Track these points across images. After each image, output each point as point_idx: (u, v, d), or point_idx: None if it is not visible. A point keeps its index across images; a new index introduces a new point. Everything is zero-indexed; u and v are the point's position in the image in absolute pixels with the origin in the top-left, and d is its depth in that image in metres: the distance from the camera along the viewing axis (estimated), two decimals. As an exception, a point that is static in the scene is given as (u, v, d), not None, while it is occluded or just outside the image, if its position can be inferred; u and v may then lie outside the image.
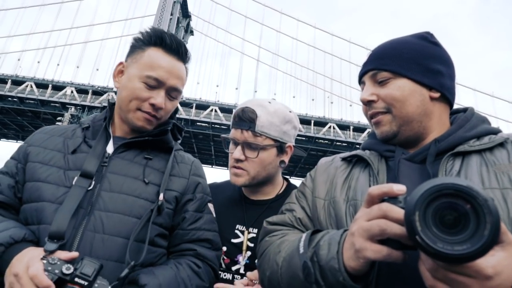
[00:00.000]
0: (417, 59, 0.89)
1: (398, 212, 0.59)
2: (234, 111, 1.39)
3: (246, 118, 1.30)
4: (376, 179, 0.86)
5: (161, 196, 1.03)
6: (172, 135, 1.21)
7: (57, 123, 33.88)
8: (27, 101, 45.64)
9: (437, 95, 0.89)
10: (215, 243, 1.16)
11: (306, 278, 0.74)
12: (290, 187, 1.49)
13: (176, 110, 1.23)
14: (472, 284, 0.53)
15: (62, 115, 34.27)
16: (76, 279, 0.78)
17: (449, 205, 0.50)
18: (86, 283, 0.78)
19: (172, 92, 1.13)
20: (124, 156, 1.10)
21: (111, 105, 1.21)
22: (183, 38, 60.28)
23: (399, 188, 0.61)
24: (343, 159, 1.01)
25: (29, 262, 0.82)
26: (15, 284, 0.79)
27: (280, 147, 1.36)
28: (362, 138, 43.52)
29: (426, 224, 0.50)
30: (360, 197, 0.85)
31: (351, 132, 44.76)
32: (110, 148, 1.11)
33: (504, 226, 0.53)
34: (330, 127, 45.63)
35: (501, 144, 0.82)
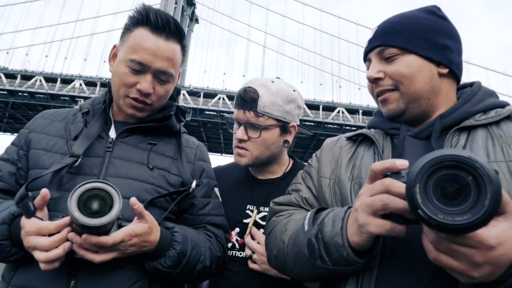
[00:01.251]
0: (425, 34, 0.86)
1: (400, 186, 0.60)
2: (238, 90, 1.36)
3: (248, 98, 1.29)
4: (381, 157, 0.85)
5: (193, 184, 1.06)
6: (176, 117, 1.18)
7: (46, 110, 34.14)
8: (37, 95, 46.19)
9: (445, 71, 0.87)
10: (223, 227, 1.18)
11: (311, 254, 0.75)
12: (296, 164, 1.50)
13: (179, 91, 1.19)
14: (475, 255, 0.53)
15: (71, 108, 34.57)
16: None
17: (450, 176, 0.50)
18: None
19: (161, 75, 1.04)
20: (128, 141, 1.07)
21: (111, 87, 1.14)
22: (188, 27, 59.88)
23: (401, 163, 0.62)
24: (348, 138, 1.00)
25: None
26: (38, 239, 0.84)
27: (284, 126, 1.34)
28: (371, 121, 43.04)
29: (427, 196, 0.50)
30: (365, 175, 0.85)
31: (360, 116, 44.33)
32: (112, 133, 1.09)
33: (508, 197, 0.53)
34: (339, 112, 45.23)
35: (508, 117, 0.80)
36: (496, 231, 0.52)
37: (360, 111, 44.73)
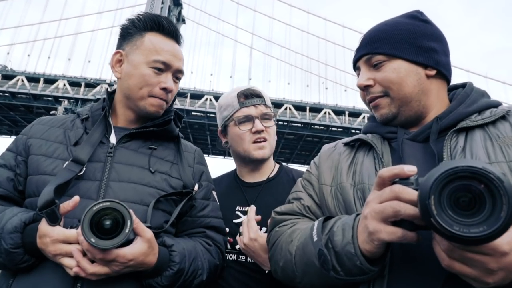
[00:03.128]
0: (409, 39, 0.88)
1: (411, 193, 0.59)
2: (235, 95, 1.47)
3: (256, 95, 1.46)
4: (381, 161, 0.86)
5: (196, 187, 1.09)
6: (174, 122, 1.21)
7: (42, 116, 33.50)
8: (19, 95, 45.08)
9: (433, 72, 0.89)
10: (221, 230, 1.19)
11: (323, 265, 0.74)
12: (282, 167, 1.60)
13: (174, 98, 1.23)
14: (489, 262, 0.53)
15: (56, 109, 33.95)
16: None
17: (463, 187, 0.50)
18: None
19: (178, 74, 1.15)
20: (129, 146, 1.10)
21: (110, 94, 1.19)
22: (175, 27, 59.31)
23: (410, 169, 0.62)
24: (345, 144, 1.00)
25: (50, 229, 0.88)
26: (69, 247, 0.86)
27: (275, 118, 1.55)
28: (357, 123, 43.57)
29: (441, 207, 0.50)
30: (367, 180, 0.85)
31: (347, 117, 44.79)
32: (113, 139, 1.10)
33: None
34: (325, 113, 45.56)
35: (503, 117, 0.81)
36: (508, 237, 0.52)
37: (346, 113, 45.20)
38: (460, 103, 0.87)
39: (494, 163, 0.73)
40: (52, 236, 0.86)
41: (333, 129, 44.09)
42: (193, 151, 1.23)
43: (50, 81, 46.20)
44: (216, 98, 45.52)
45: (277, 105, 47.16)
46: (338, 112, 45.34)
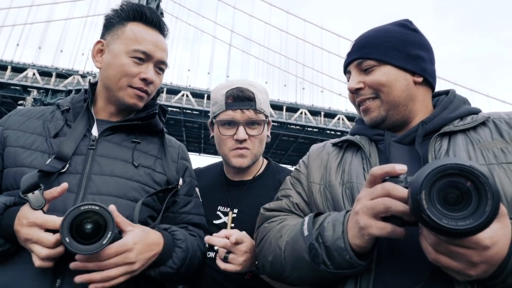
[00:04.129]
0: (399, 46, 0.93)
1: (401, 190, 0.64)
2: (224, 92, 1.34)
3: (246, 97, 1.31)
4: (369, 162, 0.90)
5: (180, 181, 1.09)
6: (158, 116, 1.18)
7: (19, 107, 32.08)
8: (-16, 83, 42.96)
9: (420, 79, 0.94)
10: (202, 226, 1.19)
11: (313, 259, 0.77)
12: (270, 165, 1.53)
13: (158, 92, 1.21)
14: (472, 255, 0.58)
15: (24, 99, 32.55)
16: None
17: (451, 183, 0.54)
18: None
19: (161, 65, 1.12)
20: (111, 139, 1.07)
21: (92, 85, 1.16)
22: (152, 20, 58.17)
23: (400, 168, 0.66)
24: (334, 144, 1.04)
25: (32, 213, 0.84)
26: (42, 234, 0.81)
27: (268, 122, 1.42)
28: (332, 123, 44.31)
29: (431, 202, 0.54)
30: (356, 179, 0.89)
31: (322, 118, 45.45)
32: (95, 131, 1.07)
33: None
34: (302, 113, 46.07)
35: (483, 123, 0.86)
36: (490, 232, 0.56)
37: (322, 113, 45.86)
38: (443, 109, 0.92)
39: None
40: (29, 219, 0.82)
41: (308, 129, 44.61)
42: (177, 146, 1.22)
43: (18, 69, 44.20)
44: (193, 94, 45.05)
45: (254, 103, 47.03)
46: (314, 112, 45.95)
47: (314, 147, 1.13)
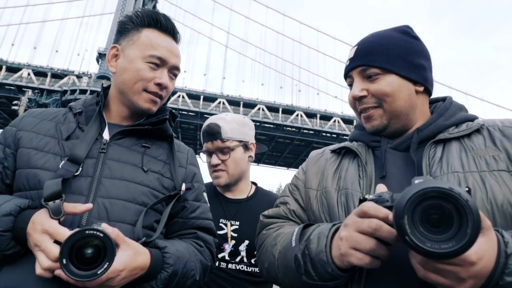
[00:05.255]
0: (403, 55, 0.94)
1: (387, 230, 0.65)
2: (203, 128, 1.67)
3: (212, 131, 1.63)
4: (364, 169, 0.92)
5: (183, 187, 1.09)
6: (168, 121, 1.19)
7: (13, 107, 31.93)
8: (-22, 83, 42.65)
9: (421, 88, 0.95)
10: (211, 231, 1.19)
11: (297, 269, 0.81)
12: (258, 188, 1.81)
13: (169, 97, 1.21)
14: (460, 271, 0.59)
15: (19, 99, 32.34)
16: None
17: (433, 205, 0.55)
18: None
19: (174, 70, 1.15)
20: (122, 143, 1.08)
21: (104, 89, 1.17)
22: (149, 21, 58.17)
23: (384, 213, 0.66)
24: (332, 151, 1.07)
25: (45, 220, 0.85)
26: (50, 244, 0.81)
27: (245, 145, 1.69)
28: (328, 126, 44.47)
29: (414, 225, 0.56)
30: (351, 186, 0.90)
31: (318, 120, 45.60)
32: (106, 135, 1.09)
33: (481, 214, 0.57)
34: (297, 115, 46.19)
35: (478, 130, 0.88)
36: (475, 247, 0.56)
37: (318, 115, 46.01)
38: (439, 116, 0.94)
39: (468, 172, 0.80)
40: (43, 225, 0.83)
41: (304, 131, 44.75)
42: (186, 151, 1.22)
43: (13, 69, 43.93)
44: (189, 95, 45.03)
45: (250, 105, 47.26)
46: (310, 114, 46.10)
47: (313, 153, 1.14)
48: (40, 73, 44.21)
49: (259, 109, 46.17)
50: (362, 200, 0.69)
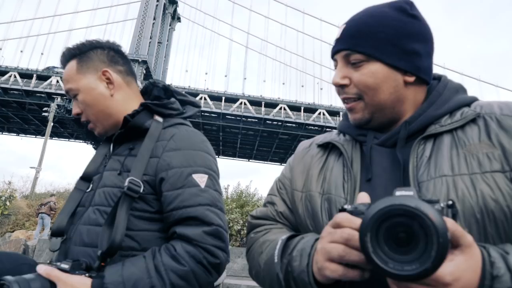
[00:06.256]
0: (393, 40, 0.81)
1: (357, 240, 0.61)
2: None
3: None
4: (350, 170, 0.83)
5: (126, 182, 0.97)
6: (150, 112, 1.11)
7: (44, 113, 33.18)
8: (11, 91, 44.56)
9: (412, 79, 0.82)
10: (201, 218, 0.98)
11: (279, 286, 0.76)
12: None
13: (165, 88, 1.18)
14: None
15: (49, 106, 33.58)
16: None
17: (399, 223, 0.52)
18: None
19: (70, 94, 1.12)
20: (117, 153, 1.10)
21: None
22: (170, 25, 59.17)
23: (356, 224, 0.60)
24: (319, 145, 0.95)
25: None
26: None
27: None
28: (351, 123, 43.74)
29: (378, 244, 0.53)
30: (334, 191, 0.82)
31: (341, 118, 44.85)
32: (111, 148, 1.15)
33: (461, 230, 0.54)
34: (320, 113, 45.70)
35: (473, 120, 0.77)
36: (450, 267, 0.53)
37: (341, 113, 45.19)
38: (430, 104, 0.82)
39: (457, 175, 0.71)
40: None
41: (327, 129, 44.20)
42: (169, 137, 1.06)
43: (43, 77, 45.71)
44: (211, 96, 45.41)
45: (272, 105, 47.14)
46: (333, 112, 45.52)
47: (301, 146, 1.02)
48: (68, 80, 45.69)
49: (280, 108, 46.00)
50: (341, 210, 0.65)
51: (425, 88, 0.87)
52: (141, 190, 0.98)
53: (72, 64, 1.11)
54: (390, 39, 0.80)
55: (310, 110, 45.94)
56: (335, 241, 0.63)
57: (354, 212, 0.63)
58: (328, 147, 0.92)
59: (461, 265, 0.54)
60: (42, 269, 0.86)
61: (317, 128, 44.71)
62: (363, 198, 0.66)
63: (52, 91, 43.57)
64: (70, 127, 48.17)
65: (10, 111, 47.83)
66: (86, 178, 1.09)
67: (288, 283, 0.75)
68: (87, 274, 0.89)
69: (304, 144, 1.03)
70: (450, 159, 0.73)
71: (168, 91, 1.17)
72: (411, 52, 0.81)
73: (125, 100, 1.12)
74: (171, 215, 0.98)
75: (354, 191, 0.78)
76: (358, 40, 0.82)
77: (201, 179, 1.03)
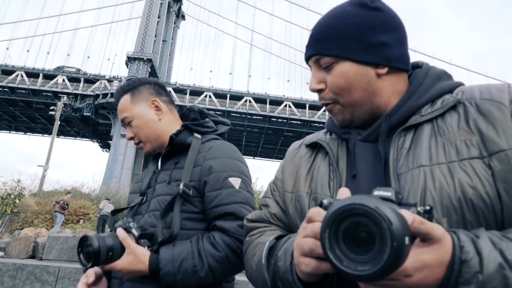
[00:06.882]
0: (356, 35, 0.80)
1: None
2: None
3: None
4: (335, 168, 0.83)
5: (180, 186, 1.19)
6: (194, 131, 1.37)
7: (51, 112, 33.47)
8: (18, 90, 44.97)
9: (384, 70, 0.81)
10: (236, 214, 1.19)
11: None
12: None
13: (200, 111, 1.42)
14: (397, 284, 0.55)
15: (55, 105, 33.85)
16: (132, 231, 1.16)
17: (359, 223, 0.53)
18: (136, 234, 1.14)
19: (125, 121, 1.36)
20: (165, 168, 1.32)
21: None
22: (174, 23, 59.25)
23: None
24: (307, 145, 0.96)
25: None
26: None
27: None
28: (357, 120, 43.55)
29: (336, 241, 0.53)
30: (320, 190, 0.82)
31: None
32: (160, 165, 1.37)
33: (428, 225, 0.54)
34: (325, 111, 45.33)
35: (454, 107, 0.75)
36: (412, 258, 0.53)
37: (346, 110, 45.10)
38: (411, 95, 0.81)
39: (435, 165, 0.70)
40: None
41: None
42: (208, 149, 1.29)
43: (49, 76, 46.06)
44: (216, 94, 45.47)
45: (277, 102, 47.10)
46: (338, 109, 45.29)
47: (292, 147, 1.03)
48: (73, 78, 46.07)
49: (285, 106, 45.98)
50: (320, 205, 0.64)
51: (405, 77, 0.85)
52: (191, 193, 1.21)
53: (126, 97, 1.35)
54: (353, 36, 0.80)
55: (315, 107, 45.82)
56: (307, 236, 0.63)
57: (328, 207, 0.63)
58: (316, 147, 0.93)
59: (425, 256, 0.55)
60: (120, 232, 1.12)
61: (322, 125, 44.38)
62: (343, 193, 0.65)
63: (59, 89, 43.90)
64: (76, 125, 48.58)
65: (18, 110, 48.30)
66: (141, 193, 1.32)
67: (276, 283, 0.75)
68: (149, 248, 1.14)
69: (294, 145, 1.04)
70: (428, 148, 0.72)
71: (203, 113, 1.42)
72: (378, 44, 0.80)
73: (170, 124, 1.36)
74: (211, 212, 1.20)
75: (339, 189, 0.76)
76: (324, 44, 0.82)
77: (235, 181, 1.24)
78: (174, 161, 1.31)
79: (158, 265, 1.12)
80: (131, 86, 1.38)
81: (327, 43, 0.82)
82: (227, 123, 1.47)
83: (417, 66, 0.87)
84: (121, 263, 1.10)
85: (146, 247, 1.14)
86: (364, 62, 0.79)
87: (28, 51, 54.57)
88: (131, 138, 1.36)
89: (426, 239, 0.54)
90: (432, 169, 0.68)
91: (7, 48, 53.41)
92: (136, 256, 1.11)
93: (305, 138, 1.01)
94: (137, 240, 1.14)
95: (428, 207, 0.55)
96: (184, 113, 1.45)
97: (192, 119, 1.40)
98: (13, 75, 45.47)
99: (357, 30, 0.80)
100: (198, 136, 1.34)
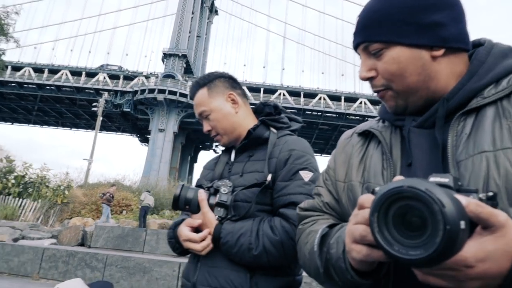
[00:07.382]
0: (407, 18, 0.75)
1: None
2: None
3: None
4: (389, 157, 0.80)
5: (269, 177, 1.25)
6: (266, 126, 1.41)
7: (93, 108, 35.14)
8: (64, 88, 47.51)
9: (440, 52, 0.75)
10: (296, 203, 1.23)
11: (318, 277, 0.79)
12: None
13: (276, 106, 1.46)
14: (457, 275, 0.52)
15: (97, 101, 35.51)
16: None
17: (409, 207, 0.50)
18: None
19: (203, 115, 1.39)
20: (238, 160, 1.38)
21: None
22: (208, 18, 59.87)
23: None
24: (359, 134, 0.94)
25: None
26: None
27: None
28: (394, 112, 42.12)
29: (386, 225, 0.52)
30: (373, 179, 0.80)
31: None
32: (232, 157, 1.41)
33: (489, 210, 0.50)
34: (361, 103, 44.45)
35: None
36: (473, 247, 0.50)
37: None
38: (471, 76, 0.74)
39: (499, 150, 0.64)
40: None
41: (369, 119, 42.85)
42: (284, 142, 1.35)
43: (91, 74, 48.27)
44: (249, 88, 45.61)
45: (311, 95, 46.50)
46: (375, 101, 44.05)
47: (343, 136, 1.01)
48: (113, 76, 47.98)
49: (320, 98, 45.30)
50: (372, 192, 0.62)
51: (465, 57, 0.80)
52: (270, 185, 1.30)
53: (203, 91, 1.39)
54: (404, 18, 0.75)
55: (351, 99, 44.82)
56: (358, 222, 0.61)
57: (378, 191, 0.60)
58: (368, 135, 0.91)
59: (488, 245, 0.51)
60: (201, 192, 1.24)
61: (358, 118, 43.57)
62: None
63: (100, 87, 45.88)
64: (117, 120, 50.66)
65: (63, 107, 51.06)
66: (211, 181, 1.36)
67: (328, 271, 0.74)
68: (219, 218, 1.24)
69: (346, 134, 1.03)
70: (492, 133, 0.66)
71: (277, 108, 1.46)
72: (431, 24, 0.74)
73: (245, 116, 1.41)
74: (278, 200, 1.26)
75: (394, 178, 0.73)
76: (371, 30, 0.78)
77: (306, 175, 1.29)
78: (249, 154, 1.37)
79: (220, 234, 1.22)
80: (206, 80, 1.41)
81: (375, 28, 0.77)
82: (300, 121, 1.51)
83: (479, 44, 0.80)
84: (202, 218, 1.24)
85: (217, 216, 1.23)
86: (417, 45, 0.74)
87: (71, 50, 57.40)
88: (209, 131, 1.40)
89: (487, 225, 0.51)
90: (496, 154, 0.63)
91: (53, 49, 56.47)
92: (207, 218, 1.23)
93: (357, 126, 0.99)
94: (215, 206, 1.24)
95: (491, 193, 0.52)
96: (258, 107, 1.50)
97: (267, 114, 1.45)
98: (59, 74, 48.05)
99: (407, 12, 0.75)
100: (274, 131, 1.40)
